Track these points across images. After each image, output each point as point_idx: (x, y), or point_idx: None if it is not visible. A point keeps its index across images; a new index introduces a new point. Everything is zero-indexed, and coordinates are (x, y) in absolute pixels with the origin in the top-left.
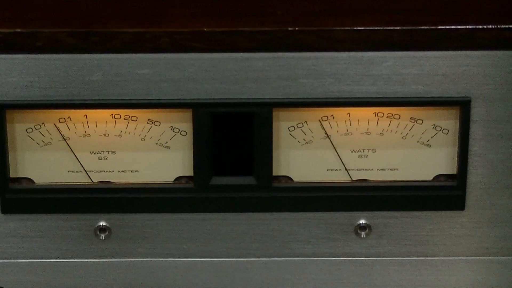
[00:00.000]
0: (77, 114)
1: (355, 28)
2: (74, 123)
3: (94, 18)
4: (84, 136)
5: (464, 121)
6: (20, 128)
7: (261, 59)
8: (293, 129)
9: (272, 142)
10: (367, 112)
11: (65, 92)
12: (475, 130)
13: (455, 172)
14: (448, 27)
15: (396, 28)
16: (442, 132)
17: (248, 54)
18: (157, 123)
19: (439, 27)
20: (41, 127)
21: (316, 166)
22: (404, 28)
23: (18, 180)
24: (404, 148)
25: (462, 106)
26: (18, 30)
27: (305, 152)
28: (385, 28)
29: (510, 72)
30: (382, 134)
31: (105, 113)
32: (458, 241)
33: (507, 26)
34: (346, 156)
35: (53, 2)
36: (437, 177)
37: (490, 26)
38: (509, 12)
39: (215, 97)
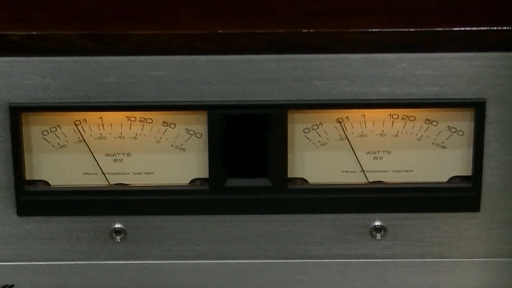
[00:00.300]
0: (93, 116)
1: (369, 30)
2: (89, 125)
3: (108, 20)
4: (99, 138)
5: (479, 123)
6: (35, 130)
7: (274, 61)
8: (308, 131)
9: (287, 144)
10: (382, 113)
11: (80, 94)
12: (490, 132)
13: (470, 173)
14: (462, 28)
15: (410, 29)
16: (457, 133)
17: (262, 56)
18: (172, 125)
19: (453, 29)
20: (56, 130)
21: (331, 168)
22: (418, 29)
23: (33, 182)
24: (419, 150)
25: (477, 108)
26: (32, 32)
27: (320, 154)
28: (399, 29)
29: None
30: (397, 135)
31: (121, 115)
32: (473, 243)
33: None
34: (361, 157)
35: (67, 4)
36: (452, 178)
37: (505, 28)
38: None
39: (229, 99)
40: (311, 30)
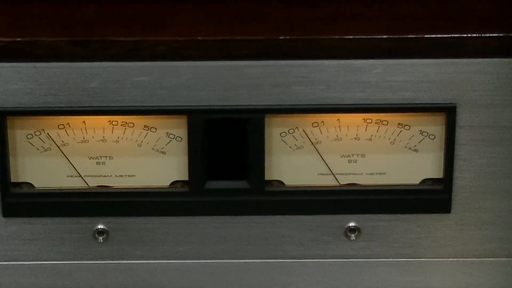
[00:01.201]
0: (76, 120)
1: (344, 37)
2: (73, 129)
3: (92, 27)
4: (82, 142)
5: (450, 127)
6: (20, 134)
7: (254, 67)
8: (285, 134)
9: (264, 147)
10: (356, 118)
11: (64, 99)
12: (461, 136)
13: (441, 176)
14: (435, 35)
15: (384, 36)
16: (428, 137)
17: (242, 62)
18: (153, 129)
19: (426, 36)
20: (41, 133)
21: (307, 170)
22: (391, 36)
23: (19, 184)
24: (392, 153)
25: (448, 112)
26: (18, 39)
27: (296, 157)
28: (373, 36)
29: (495, 79)
30: (370, 139)
31: (103, 119)
32: (444, 243)
33: (492, 35)
34: (336, 161)
35: (52, 11)
36: (424, 181)
37: (476, 35)
38: (494, 22)
39: (209, 103)
40: (289, 37)
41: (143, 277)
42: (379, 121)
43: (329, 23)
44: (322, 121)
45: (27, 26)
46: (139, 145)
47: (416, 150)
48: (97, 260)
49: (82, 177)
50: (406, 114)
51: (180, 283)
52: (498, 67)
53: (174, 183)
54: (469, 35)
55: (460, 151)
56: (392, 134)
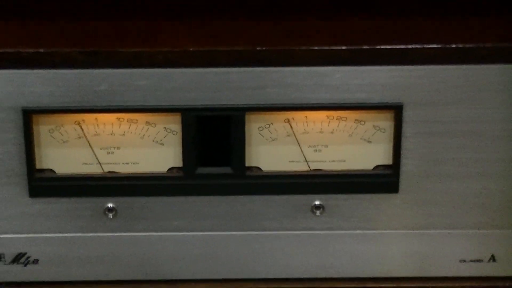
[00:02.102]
0: (89, 117)
1: (311, 48)
2: (87, 125)
3: (101, 40)
4: (95, 135)
5: (397, 122)
6: (43, 129)
7: (236, 73)
8: (262, 129)
9: (245, 139)
10: (321, 115)
11: (79, 99)
12: (406, 129)
13: (390, 162)
14: (384, 47)
15: (343, 47)
16: (380, 131)
17: (226, 69)
18: (153, 125)
19: (377, 47)
20: (60, 128)
21: (281, 158)
22: (349, 47)
23: (42, 170)
24: (350, 144)
25: (396, 110)
26: (41, 50)
27: (271, 147)
28: (334, 47)
29: (434, 83)
30: (332, 133)
31: (112, 116)
32: (393, 218)
33: (431, 46)
34: (304, 150)
35: (68, 27)
36: (377, 166)
37: (418, 46)
38: (433, 35)
39: (199, 103)
40: (265, 48)
41: (144, 246)
42: (339, 117)
43: (298, 37)
44: (293, 118)
45: (47, 39)
46: (142, 137)
47: (370, 142)
48: (107, 233)
49: (94, 164)
50: (361, 111)
51: (175, 251)
52: (437, 73)
53: (170, 169)
54: (412, 46)
55: (406, 142)
56: (350, 128)
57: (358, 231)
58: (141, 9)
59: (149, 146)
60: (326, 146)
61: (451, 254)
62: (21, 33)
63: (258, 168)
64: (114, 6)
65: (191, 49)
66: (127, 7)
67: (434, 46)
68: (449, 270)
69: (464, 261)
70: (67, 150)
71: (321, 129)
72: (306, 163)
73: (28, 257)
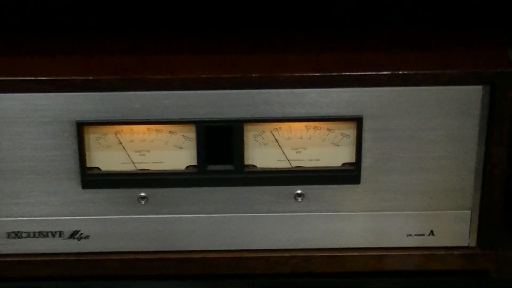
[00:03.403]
0: (126, 128)
1: (292, 75)
2: (124, 134)
3: (134, 69)
4: (130, 141)
5: (359, 130)
6: (92, 137)
7: (236, 94)
8: (256, 136)
9: (243, 143)
10: (301, 125)
11: (118, 115)
12: (366, 135)
13: (354, 161)
14: (348, 73)
15: (317, 74)
16: (346, 137)
17: (228, 91)
18: (174, 133)
19: (342, 73)
20: (104, 136)
21: (271, 158)
22: (321, 74)
23: (91, 168)
24: (323, 147)
25: (358, 121)
26: (90, 77)
27: (263, 150)
28: (310, 74)
29: (385, 100)
30: (310, 138)
31: (143, 127)
32: (356, 203)
33: (383, 73)
34: (288, 152)
35: (109, 60)
36: (343, 164)
37: (372, 73)
38: (383, 64)
39: (209, 117)
40: (258, 75)
41: (167, 225)
42: (314, 127)
43: (281, 66)
44: (280, 127)
45: (95, 70)
46: (166, 143)
47: (338, 145)
48: (139, 215)
49: (130, 164)
50: (331, 122)
51: (190, 228)
52: (387, 93)
53: (188, 166)
54: (368, 73)
55: (365, 145)
56: (323, 135)
57: (329, 213)
58: (164, 47)
59: (171, 149)
60: (305, 148)
61: (400, 230)
62: (76, 65)
63: (254, 166)
64: (144, 45)
65: (202, 76)
66: (154, 46)
67: (385, 73)
68: (398, 242)
69: (410, 235)
70: (110, 152)
71: (301, 136)
72: (289, 161)
73: (81, 234)
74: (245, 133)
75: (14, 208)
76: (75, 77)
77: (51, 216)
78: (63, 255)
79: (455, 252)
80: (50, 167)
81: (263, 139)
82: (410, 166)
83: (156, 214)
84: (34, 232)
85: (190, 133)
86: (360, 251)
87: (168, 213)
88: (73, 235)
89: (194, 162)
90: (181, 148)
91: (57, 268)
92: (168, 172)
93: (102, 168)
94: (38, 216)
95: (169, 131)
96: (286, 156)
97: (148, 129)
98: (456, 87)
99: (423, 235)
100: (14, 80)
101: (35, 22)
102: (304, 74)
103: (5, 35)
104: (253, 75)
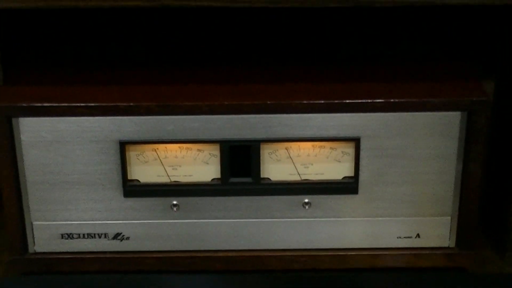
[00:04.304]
0: (161, 146)
1: (302, 102)
2: (160, 151)
3: (170, 97)
4: (165, 158)
5: (357, 149)
6: (133, 154)
7: (254, 118)
8: (271, 153)
9: (260, 159)
10: (308, 145)
11: (156, 135)
12: (363, 153)
13: (353, 174)
14: (347, 101)
15: (321, 101)
16: (346, 154)
17: (248, 115)
18: (202, 151)
19: (343, 101)
20: (143, 153)
21: (283, 172)
22: (325, 101)
23: (132, 180)
24: (327, 163)
25: (356, 141)
26: (131, 103)
27: (277, 165)
28: (315, 101)
29: (380, 124)
30: (316, 156)
31: (176, 146)
32: (354, 210)
33: (377, 101)
34: (298, 166)
35: (148, 89)
36: (344, 177)
37: (369, 101)
38: (378, 93)
39: (231, 137)
40: (272, 102)
41: (196, 228)
42: (320, 146)
43: (293, 95)
44: (290, 146)
45: (136, 97)
46: (195, 159)
47: (339, 161)
48: (172, 220)
49: (165, 176)
50: (334, 142)
51: (215, 231)
52: (382, 117)
53: (213, 179)
54: (365, 101)
55: (362, 162)
56: (327, 153)
57: (332, 219)
58: (194, 78)
59: (199, 164)
60: (312, 164)
61: (391, 233)
62: (120, 93)
63: (269, 178)
64: (178, 77)
65: (225, 103)
66: (186, 77)
67: (379, 100)
68: (390, 243)
69: (400, 237)
70: (147, 167)
71: (308, 153)
72: (298, 175)
73: (123, 235)
74: (262, 151)
75: (67, 214)
76: (119, 103)
77: (98, 221)
78: (108, 253)
79: (438, 252)
80: (97, 179)
81: (277, 156)
82: (400, 179)
83: (186, 219)
84: (84, 234)
85: (215, 151)
86: (358, 251)
87: (196, 218)
88: (116, 236)
89: (218, 175)
90: (207, 163)
91: (103, 264)
92: (196, 183)
93: (141, 180)
94: (87, 221)
95: (198, 149)
96: (296, 170)
97: (179, 147)
98: (439, 113)
99: (411, 237)
100: (69, 106)
101: (87, 56)
102: (311, 102)
103: (62, 68)
104: (269, 102)
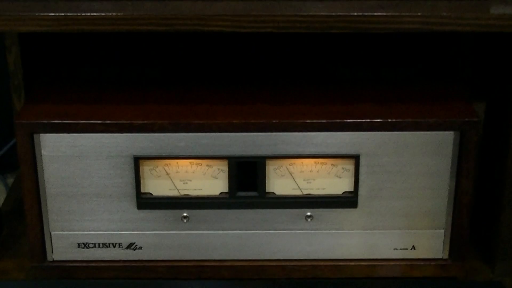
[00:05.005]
0: (173, 162)
1: (304, 121)
2: (171, 166)
3: (180, 116)
4: (176, 172)
5: (356, 166)
6: (146, 168)
7: (259, 135)
8: (275, 169)
9: (265, 175)
10: (311, 161)
11: (167, 151)
12: (362, 170)
13: (352, 189)
14: (348, 120)
15: (323, 121)
16: (346, 170)
17: (254, 133)
18: (211, 166)
19: (343, 120)
20: (155, 168)
21: (287, 186)
22: (326, 121)
23: (145, 193)
24: (328, 178)
25: (355, 158)
26: (145, 121)
27: (281, 180)
28: (317, 121)
29: (378, 142)
30: (318, 171)
31: (186, 161)
32: (353, 223)
33: (375, 120)
34: (301, 182)
35: (161, 108)
36: (344, 192)
37: (368, 120)
38: (376, 114)
39: (238, 154)
40: (277, 121)
41: (204, 239)
42: (321, 163)
43: (296, 115)
44: (294, 163)
45: (149, 115)
46: (204, 174)
47: (340, 177)
48: (183, 231)
49: (176, 190)
50: (335, 159)
51: (222, 242)
52: (379, 136)
53: (221, 193)
54: (364, 120)
55: (361, 177)
56: (328, 169)
57: (332, 231)
58: (204, 98)
59: (208, 179)
60: (314, 179)
61: (388, 244)
62: (135, 112)
63: (273, 193)
64: (188, 97)
65: (233, 121)
66: (196, 97)
67: (377, 120)
68: (387, 254)
69: (396, 249)
70: (159, 181)
71: (310, 169)
72: (301, 190)
73: (136, 245)
74: (267, 167)
75: (83, 224)
76: (134, 121)
77: (112, 231)
78: (122, 262)
79: (432, 263)
80: (113, 192)
81: (281, 171)
82: (397, 194)
83: (196, 230)
84: (99, 243)
85: (223, 166)
86: (357, 261)
87: (205, 229)
88: (130, 246)
89: (226, 189)
90: (216, 178)
91: (117, 272)
92: (205, 197)
93: (153, 193)
94: (102, 231)
95: (207, 165)
96: (299, 186)
97: (190, 163)
98: (433, 132)
99: (407, 249)
100: (87, 123)
101: (104, 77)
102: (314, 121)
103: (81, 87)
104: (274, 121)
